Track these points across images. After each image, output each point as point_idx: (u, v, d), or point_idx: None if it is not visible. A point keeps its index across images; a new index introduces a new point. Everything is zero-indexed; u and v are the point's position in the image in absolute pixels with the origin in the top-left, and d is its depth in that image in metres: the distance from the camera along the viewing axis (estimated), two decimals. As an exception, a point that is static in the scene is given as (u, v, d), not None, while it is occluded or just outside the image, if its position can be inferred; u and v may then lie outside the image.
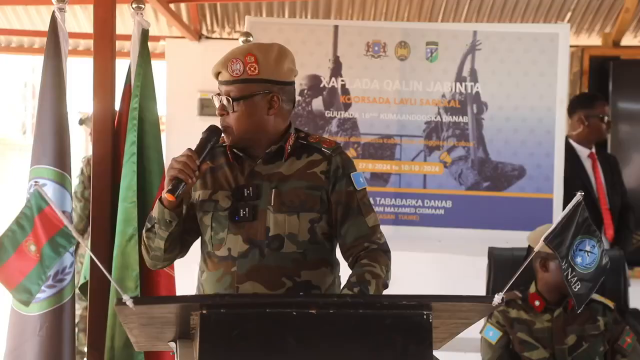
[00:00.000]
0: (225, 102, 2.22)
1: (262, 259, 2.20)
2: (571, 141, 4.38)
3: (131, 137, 3.10)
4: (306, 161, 2.28)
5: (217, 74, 2.25)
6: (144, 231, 2.28)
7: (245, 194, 2.22)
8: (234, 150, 2.28)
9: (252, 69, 2.20)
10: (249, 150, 2.27)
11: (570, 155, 4.31)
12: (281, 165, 2.26)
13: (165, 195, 2.14)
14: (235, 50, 2.23)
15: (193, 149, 2.18)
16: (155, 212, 2.21)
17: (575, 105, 4.51)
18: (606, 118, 4.39)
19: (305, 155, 2.28)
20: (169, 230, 2.20)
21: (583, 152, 4.37)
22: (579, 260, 2.01)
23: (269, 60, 2.22)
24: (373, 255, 2.22)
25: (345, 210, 2.26)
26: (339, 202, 2.26)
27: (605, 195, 4.32)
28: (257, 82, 2.21)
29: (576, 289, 2.00)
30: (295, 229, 2.22)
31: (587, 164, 4.36)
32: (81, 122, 5.25)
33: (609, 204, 4.32)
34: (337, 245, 2.34)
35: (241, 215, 2.21)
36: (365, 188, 2.32)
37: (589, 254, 2.02)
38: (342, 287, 2.21)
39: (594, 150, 4.39)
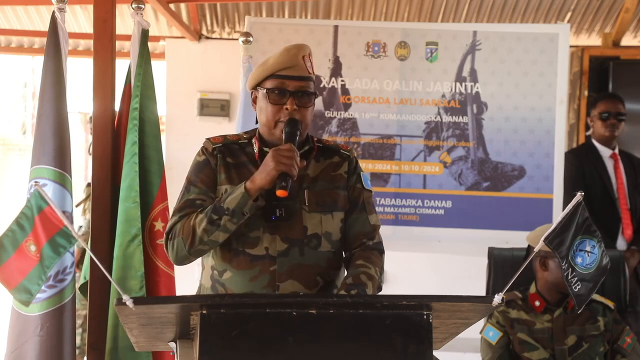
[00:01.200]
0: (301, 96, 2.23)
1: (302, 258, 2.23)
2: (594, 141, 4.40)
3: (132, 137, 3.11)
4: (326, 163, 2.34)
5: (283, 67, 2.24)
6: (198, 225, 2.18)
7: None
8: (264, 148, 2.29)
9: (312, 68, 2.29)
10: None
11: (593, 155, 4.34)
12: (307, 167, 2.29)
13: (278, 191, 2.11)
14: (302, 47, 2.27)
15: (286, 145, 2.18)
16: (232, 203, 2.15)
17: (588, 106, 4.55)
18: (606, 115, 4.34)
19: (323, 158, 2.34)
20: (239, 222, 2.17)
21: (605, 152, 4.37)
22: (579, 260, 2.01)
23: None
24: (368, 256, 2.26)
25: (352, 204, 2.33)
26: (347, 196, 2.33)
27: (625, 195, 4.32)
28: (313, 82, 2.29)
29: (576, 289, 2.00)
30: (330, 228, 2.27)
31: (609, 164, 4.36)
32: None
33: (629, 204, 4.32)
34: None
35: (277, 215, 2.22)
36: (371, 190, 2.39)
37: (589, 254, 2.02)
38: (340, 287, 2.23)
39: (616, 150, 4.39)
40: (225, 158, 2.30)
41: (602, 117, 4.34)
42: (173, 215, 2.29)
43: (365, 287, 2.16)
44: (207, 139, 2.36)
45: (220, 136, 2.37)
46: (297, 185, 2.25)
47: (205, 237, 2.18)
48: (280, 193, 2.12)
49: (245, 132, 2.40)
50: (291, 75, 2.23)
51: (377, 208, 4.03)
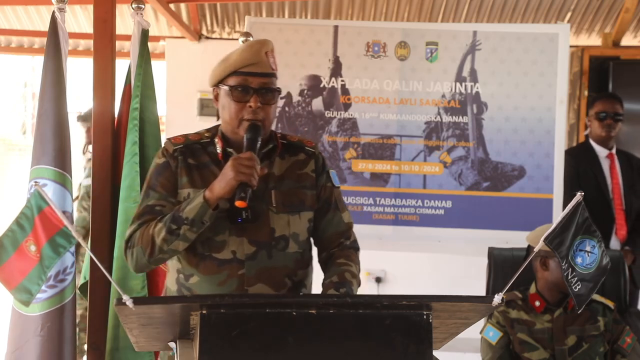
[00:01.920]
0: (265, 93, 2.19)
1: (270, 260, 2.20)
2: (591, 141, 4.41)
3: (132, 137, 3.10)
4: (292, 161, 2.29)
5: (246, 64, 2.19)
6: (157, 234, 2.15)
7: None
8: (227, 149, 2.24)
9: (275, 64, 2.24)
10: (241, 149, 2.20)
11: (589, 154, 4.35)
12: (272, 166, 2.26)
13: (237, 202, 2.06)
14: (264, 42, 2.22)
15: (246, 151, 2.14)
16: (190, 213, 2.11)
17: (587, 106, 4.57)
18: (604, 115, 4.34)
19: (288, 155, 2.30)
20: (199, 231, 2.13)
21: (602, 152, 4.37)
22: (579, 260, 2.01)
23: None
24: (347, 254, 2.27)
25: (324, 204, 2.31)
26: (319, 197, 2.30)
27: (620, 196, 4.31)
28: (276, 78, 2.24)
29: (576, 289, 2.00)
30: (298, 229, 2.24)
31: (605, 164, 4.36)
32: (81, 118, 5.22)
33: (624, 205, 4.31)
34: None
35: (244, 217, 2.18)
36: (339, 187, 2.37)
37: (589, 254, 2.02)
38: (324, 286, 2.21)
39: (614, 151, 4.39)
40: (186, 159, 2.24)
41: (599, 117, 4.34)
42: (132, 222, 2.23)
43: (351, 285, 2.18)
44: (168, 139, 2.30)
45: (182, 136, 2.31)
46: (263, 185, 2.21)
47: (164, 246, 2.14)
48: (239, 204, 2.07)
49: (207, 130, 2.33)
50: (254, 72, 2.18)
51: (377, 208, 4.08)
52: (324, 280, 2.23)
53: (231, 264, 2.19)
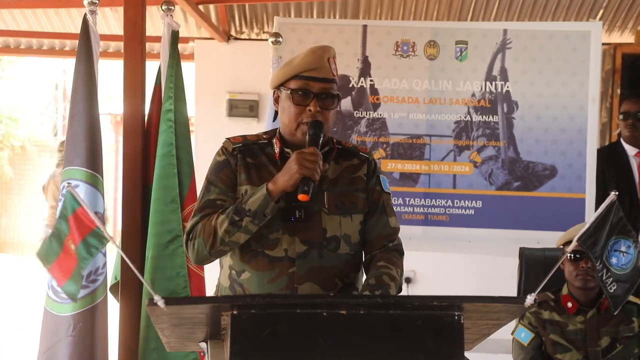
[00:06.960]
0: (325, 98, 2.23)
1: (321, 260, 2.22)
2: (622, 140, 4.39)
3: (168, 139, 3.12)
4: (345, 165, 2.34)
5: (308, 69, 2.23)
6: (220, 225, 2.18)
7: None
8: (285, 149, 2.29)
9: (336, 70, 2.29)
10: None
11: (619, 154, 4.32)
12: (327, 169, 2.28)
13: (300, 195, 2.11)
14: (327, 49, 2.27)
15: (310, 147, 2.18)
16: (253, 204, 2.15)
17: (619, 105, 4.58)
18: (626, 115, 4.32)
19: (342, 160, 2.34)
20: (261, 223, 2.17)
21: (631, 151, 4.34)
22: (614, 260, 1.99)
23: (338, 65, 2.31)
24: (389, 257, 2.27)
25: (371, 207, 2.32)
26: (367, 199, 2.32)
27: None
28: (336, 84, 2.29)
29: (612, 290, 1.98)
30: (349, 230, 2.27)
31: (634, 163, 4.33)
32: None
33: None
34: None
35: (297, 216, 2.22)
36: (390, 193, 2.39)
37: (625, 254, 1.99)
38: (362, 289, 2.22)
39: None
40: (245, 158, 2.30)
41: (623, 117, 4.36)
42: (194, 215, 2.28)
43: (388, 288, 2.17)
44: (227, 138, 2.36)
45: (240, 136, 2.37)
46: (317, 187, 2.24)
47: (226, 237, 2.18)
48: (302, 197, 2.11)
49: (265, 133, 2.39)
50: (316, 76, 2.23)
51: (406, 208, 4.06)
52: (363, 282, 2.24)
53: (282, 262, 2.22)
